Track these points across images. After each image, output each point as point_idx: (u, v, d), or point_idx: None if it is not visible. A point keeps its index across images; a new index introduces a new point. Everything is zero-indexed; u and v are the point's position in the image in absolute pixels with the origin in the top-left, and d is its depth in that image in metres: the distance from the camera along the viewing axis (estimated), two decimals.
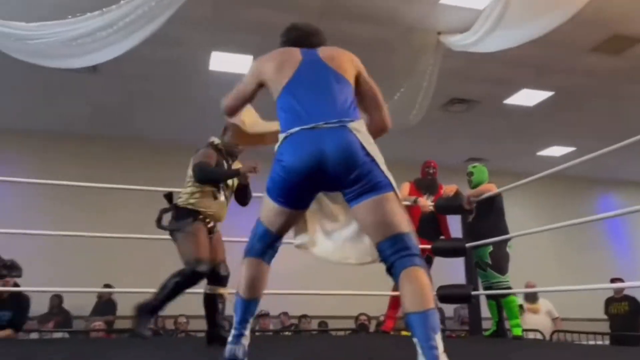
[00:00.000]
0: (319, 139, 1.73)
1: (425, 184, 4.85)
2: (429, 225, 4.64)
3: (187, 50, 5.75)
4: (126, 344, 3.85)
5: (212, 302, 3.01)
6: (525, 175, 4.15)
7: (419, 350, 1.51)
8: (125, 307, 6.71)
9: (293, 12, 5.13)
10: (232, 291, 2.01)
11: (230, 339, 1.88)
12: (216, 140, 3.17)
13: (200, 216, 2.96)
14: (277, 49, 2.09)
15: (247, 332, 1.89)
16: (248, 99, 2.11)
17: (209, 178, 2.97)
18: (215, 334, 2.97)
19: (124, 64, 5.51)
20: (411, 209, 4.69)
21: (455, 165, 7.87)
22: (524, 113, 7.37)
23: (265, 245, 1.89)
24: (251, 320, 1.91)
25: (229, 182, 3.09)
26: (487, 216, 4.45)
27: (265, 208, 1.87)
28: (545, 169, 3.91)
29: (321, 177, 1.73)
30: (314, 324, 7.26)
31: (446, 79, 5.86)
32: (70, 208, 6.97)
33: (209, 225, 3.02)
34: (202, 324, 7.13)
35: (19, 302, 4.19)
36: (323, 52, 2.02)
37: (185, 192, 3.03)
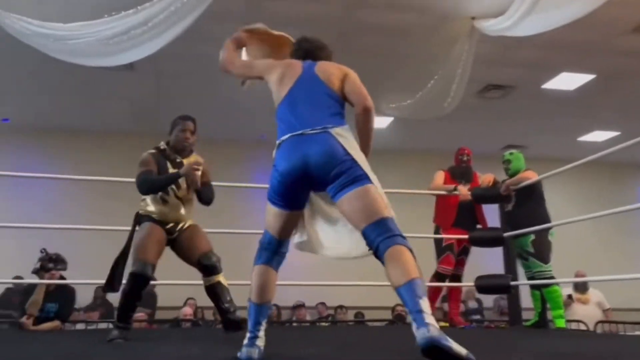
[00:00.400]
0: (304, 143, 1.95)
1: (460, 172, 4.75)
2: (466, 215, 4.56)
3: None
4: (167, 334, 3.96)
5: (213, 292, 3.05)
6: (566, 162, 4.03)
7: (411, 317, 1.64)
8: (165, 299, 6.91)
9: (325, 3, 5.12)
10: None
11: (245, 341, 1.97)
12: (162, 143, 3.18)
13: (156, 219, 3.00)
14: (286, 60, 2.33)
15: (262, 334, 1.99)
16: (248, 75, 2.43)
17: (149, 190, 2.99)
18: (227, 321, 3.04)
19: (158, 61, 5.61)
20: (448, 198, 4.62)
21: (492, 153, 7.71)
22: (563, 97, 7.15)
23: (271, 253, 2.05)
24: (264, 322, 2.03)
25: (179, 189, 3.06)
26: (526, 204, 4.35)
27: (268, 214, 2.05)
28: (587, 155, 3.80)
29: (308, 177, 1.93)
30: (350, 315, 7.28)
31: (481, 65, 5.74)
32: (111, 202, 7.17)
33: (168, 227, 3.03)
34: (240, 315, 7.23)
35: (65, 294, 4.35)
36: (319, 67, 2.21)
37: (142, 200, 3.08)
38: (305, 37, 2.44)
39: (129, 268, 2.87)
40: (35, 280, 4.29)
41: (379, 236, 1.80)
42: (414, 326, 1.62)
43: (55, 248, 4.42)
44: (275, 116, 2.13)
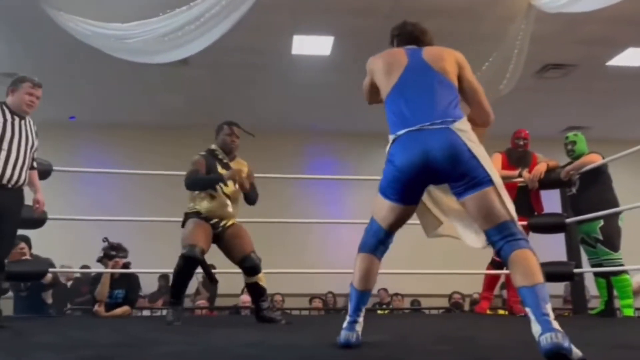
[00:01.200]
0: (425, 139, 1.91)
1: (517, 156, 4.55)
2: (524, 201, 4.40)
3: (270, 36, 5.86)
4: (227, 321, 4.08)
5: (252, 290, 3.38)
6: (634, 143, 3.81)
7: (532, 318, 1.66)
8: (224, 287, 7.11)
9: None
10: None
11: (345, 325, 2.01)
12: (213, 145, 3.46)
13: (202, 215, 3.30)
14: (387, 50, 2.24)
15: (361, 320, 2.04)
16: (372, 91, 2.26)
17: (194, 187, 3.30)
18: (260, 315, 3.35)
19: (211, 55, 5.73)
20: (506, 184, 4.47)
21: (552, 135, 7.41)
22: (630, 74, 6.75)
23: (377, 242, 2.06)
24: (364, 309, 2.06)
25: (227, 186, 3.33)
26: (592, 188, 4.15)
27: (378, 206, 2.04)
28: None
29: (429, 174, 1.93)
30: (407, 303, 7.25)
31: (539, 44, 5.50)
32: (168, 195, 7.43)
33: (212, 222, 3.31)
34: (297, 302, 7.33)
35: (131, 280, 4.58)
36: (427, 53, 2.14)
37: (190, 199, 3.39)
38: (407, 21, 2.35)
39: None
40: (100, 269, 4.53)
41: (503, 239, 1.84)
42: (537, 327, 1.65)
43: (121, 239, 4.64)
44: (385, 108, 2.10)
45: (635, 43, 6.08)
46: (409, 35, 2.27)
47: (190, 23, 4.42)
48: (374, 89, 2.23)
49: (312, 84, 6.87)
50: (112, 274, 4.41)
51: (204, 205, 3.31)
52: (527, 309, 1.70)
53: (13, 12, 5.20)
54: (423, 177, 1.94)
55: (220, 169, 3.33)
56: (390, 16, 5.44)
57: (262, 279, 3.38)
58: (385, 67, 2.12)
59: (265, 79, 6.88)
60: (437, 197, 2.16)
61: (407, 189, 1.97)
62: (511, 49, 5.30)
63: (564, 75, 6.81)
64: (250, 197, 3.40)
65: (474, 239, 2.05)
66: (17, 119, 3.13)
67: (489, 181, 1.87)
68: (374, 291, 7.15)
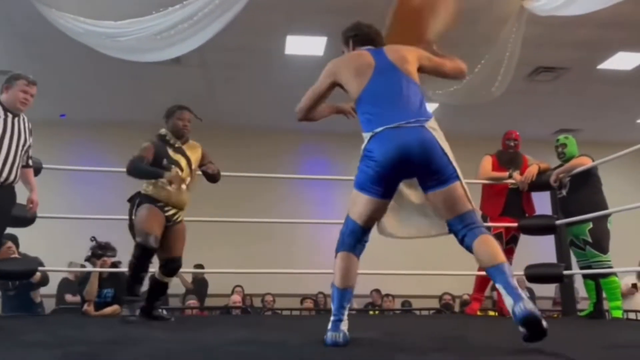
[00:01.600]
0: (403, 136, 2.03)
1: (508, 158, 4.56)
2: (514, 203, 4.43)
3: (263, 35, 5.86)
4: (217, 321, 4.07)
5: (159, 288, 3.36)
6: (624, 145, 3.85)
7: (504, 292, 1.88)
8: (214, 287, 7.10)
9: None
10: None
11: (330, 325, 2.02)
12: (162, 130, 3.45)
13: (159, 203, 3.25)
14: (350, 53, 2.32)
15: (346, 318, 2.06)
16: (322, 97, 2.32)
17: (134, 174, 3.26)
18: (150, 312, 3.32)
19: (203, 54, 5.72)
20: (496, 186, 4.49)
21: (543, 137, 7.46)
22: (620, 78, 6.81)
23: (355, 240, 2.11)
24: (347, 307, 2.09)
25: (182, 171, 3.31)
26: (582, 190, 4.17)
27: (356, 203, 2.10)
28: None
29: (406, 168, 2.04)
30: (397, 304, 7.26)
31: (531, 47, 5.53)
32: None
33: (168, 213, 3.28)
34: (288, 302, 7.32)
35: (120, 279, 4.54)
36: (391, 55, 2.24)
37: (149, 180, 3.32)
38: (362, 22, 2.43)
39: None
40: (90, 268, 4.51)
41: (465, 227, 2.02)
42: (509, 300, 1.85)
43: (108, 238, 4.61)
44: (357, 109, 2.19)
45: (626, 47, 6.14)
46: (366, 37, 2.37)
47: (183, 22, 4.41)
48: (327, 94, 2.28)
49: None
50: (100, 274, 4.39)
51: (160, 191, 3.26)
52: (498, 286, 1.91)
53: (6, 8, 5.16)
54: (400, 172, 2.06)
55: (172, 153, 3.33)
56: (383, 16, 5.46)
57: (169, 281, 3.43)
58: (354, 69, 2.20)
59: (258, 79, 6.86)
60: (400, 189, 2.24)
61: (386, 183, 2.06)
62: (503, 52, 5.32)
63: (556, 78, 6.86)
64: (212, 178, 3.48)
65: (427, 230, 2.23)
66: (10, 116, 3.11)
67: (457, 176, 2.05)
68: (367, 292, 7.23)
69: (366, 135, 2.10)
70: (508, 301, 1.85)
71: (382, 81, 2.16)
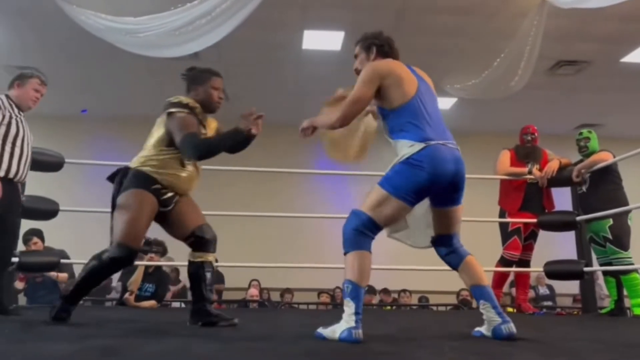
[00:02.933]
0: (452, 157, 2.15)
1: (525, 152, 4.51)
2: (534, 198, 4.38)
3: (280, 31, 5.86)
4: (234, 313, 4.10)
5: (197, 272, 2.56)
6: None
7: (493, 310, 2.14)
8: (231, 280, 7.16)
9: None
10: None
11: (353, 324, 2.01)
12: (187, 100, 2.65)
13: (156, 186, 2.51)
14: (393, 61, 2.30)
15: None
16: (368, 102, 2.25)
17: (208, 154, 2.46)
18: (202, 309, 2.56)
19: (222, 49, 5.74)
20: (514, 180, 4.44)
21: (564, 132, 7.35)
22: None
23: (371, 239, 2.15)
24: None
25: None
26: (601, 187, 4.12)
27: (384, 205, 2.10)
28: None
29: (447, 185, 2.14)
30: (414, 299, 7.24)
31: (552, 40, 5.45)
32: None
33: (165, 197, 2.54)
34: (306, 297, 7.35)
35: (161, 276, 4.66)
36: (421, 74, 2.32)
37: (151, 155, 2.55)
38: (388, 36, 2.39)
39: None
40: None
41: (456, 244, 2.27)
42: (497, 318, 2.12)
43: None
44: (398, 115, 2.17)
45: None
46: (392, 51, 2.35)
47: (201, 17, 4.44)
48: (371, 98, 2.20)
49: (323, 79, 6.86)
50: (146, 268, 4.49)
51: (167, 173, 2.51)
52: (486, 303, 2.14)
53: (26, 4, 5.25)
54: (441, 187, 2.13)
55: (202, 129, 2.63)
56: (401, 12, 5.43)
57: (214, 258, 2.64)
58: (400, 76, 2.19)
59: (276, 74, 6.88)
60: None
61: (424, 194, 2.14)
62: (523, 45, 5.25)
63: (577, 72, 6.74)
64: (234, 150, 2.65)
65: (420, 241, 2.35)
66: (21, 115, 3.15)
67: (461, 199, 2.25)
68: (378, 288, 7.21)
69: (410, 144, 2.11)
70: (495, 318, 2.12)
71: (426, 96, 2.22)
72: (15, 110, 3.12)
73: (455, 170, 2.13)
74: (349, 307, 2.05)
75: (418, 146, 2.09)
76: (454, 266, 2.27)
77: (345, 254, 2.14)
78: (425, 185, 2.08)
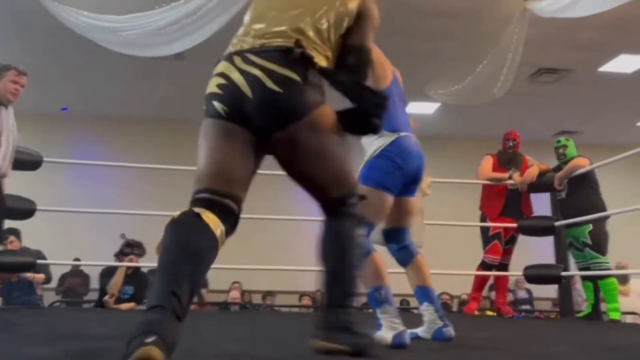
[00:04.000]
0: (417, 148, 2.19)
1: (507, 158, 4.57)
2: (514, 203, 4.43)
3: None
4: (216, 316, 4.08)
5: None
6: (624, 148, 3.85)
7: (435, 314, 2.18)
8: (213, 282, 7.10)
9: None
10: None
11: (400, 327, 1.97)
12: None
13: None
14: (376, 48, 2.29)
15: None
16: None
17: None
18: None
19: (207, 49, 5.70)
20: (495, 186, 4.49)
21: (544, 139, 7.46)
22: (621, 80, 6.82)
23: (367, 238, 2.09)
24: None
25: None
26: (580, 192, 4.19)
27: (382, 206, 2.10)
28: None
29: (413, 176, 2.18)
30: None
31: (533, 48, 5.53)
32: (166, 190, 7.42)
33: None
34: (287, 299, 7.31)
35: (141, 279, 4.60)
36: (395, 70, 2.32)
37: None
38: None
39: None
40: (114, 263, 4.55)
41: (406, 241, 2.26)
42: (439, 322, 2.16)
43: (112, 232, 4.62)
44: None
45: (627, 49, 6.14)
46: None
47: (186, 17, 4.41)
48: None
49: None
50: (125, 270, 4.43)
51: None
52: (430, 305, 2.18)
53: (7, 1, 5.16)
54: (407, 180, 2.16)
55: None
56: (388, 16, 5.45)
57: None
58: (383, 61, 2.21)
59: None
60: None
61: (400, 183, 2.14)
62: (506, 53, 5.33)
63: (557, 79, 6.86)
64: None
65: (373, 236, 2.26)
66: (2, 109, 3.09)
67: (416, 192, 2.28)
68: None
69: (388, 134, 2.08)
70: (436, 321, 2.15)
71: (397, 86, 2.23)
72: None
73: (419, 165, 2.18)
74: (387, 312, 2.03)
75: (389, 137, 2.10)
76: (404, 263, 2.26)
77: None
78: (398, 175, 2.11)
